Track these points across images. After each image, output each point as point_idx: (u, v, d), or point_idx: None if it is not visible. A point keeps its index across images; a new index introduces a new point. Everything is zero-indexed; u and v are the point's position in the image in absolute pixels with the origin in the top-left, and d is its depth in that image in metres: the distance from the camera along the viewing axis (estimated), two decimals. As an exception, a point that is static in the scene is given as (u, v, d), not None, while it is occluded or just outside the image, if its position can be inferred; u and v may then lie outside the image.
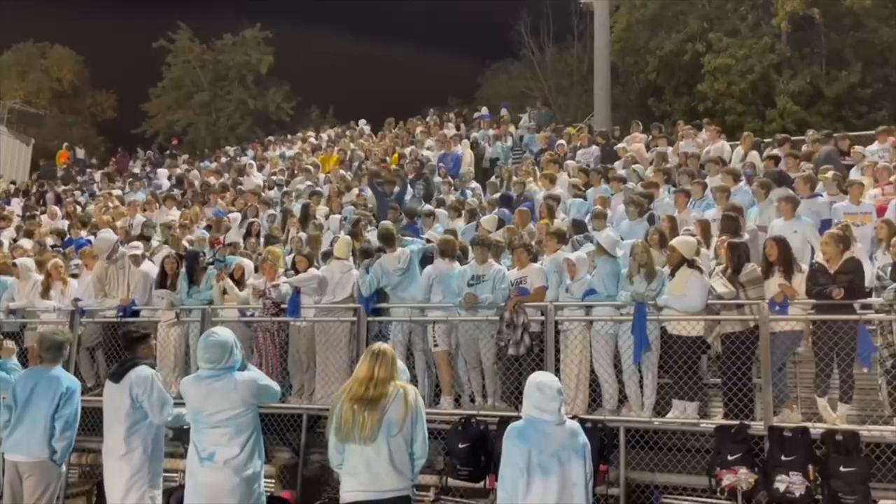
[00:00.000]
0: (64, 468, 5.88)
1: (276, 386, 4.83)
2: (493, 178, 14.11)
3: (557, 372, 6.79)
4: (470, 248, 8.02)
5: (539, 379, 4.29)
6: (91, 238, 11.89)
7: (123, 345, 5.55)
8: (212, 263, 8.90)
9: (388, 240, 8.09)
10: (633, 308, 6.62)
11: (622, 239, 8.20)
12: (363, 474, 4.08)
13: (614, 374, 6.93)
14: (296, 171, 16.93)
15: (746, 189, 9.89)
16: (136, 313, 8.63)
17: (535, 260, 7.79)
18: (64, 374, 5.87)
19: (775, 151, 11.79)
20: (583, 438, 4.27)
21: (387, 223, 8.90)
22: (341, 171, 15.49)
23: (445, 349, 7.50)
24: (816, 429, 5.88)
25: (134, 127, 37.89)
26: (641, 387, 6.82)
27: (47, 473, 5.63)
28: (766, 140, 14.07)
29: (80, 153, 26.60)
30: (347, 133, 20.86)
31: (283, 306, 8.03)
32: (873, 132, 12.86)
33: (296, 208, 12.82)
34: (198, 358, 4.63)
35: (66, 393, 5.68)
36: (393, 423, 4.12)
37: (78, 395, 5.80)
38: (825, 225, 8.48)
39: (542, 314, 7.03)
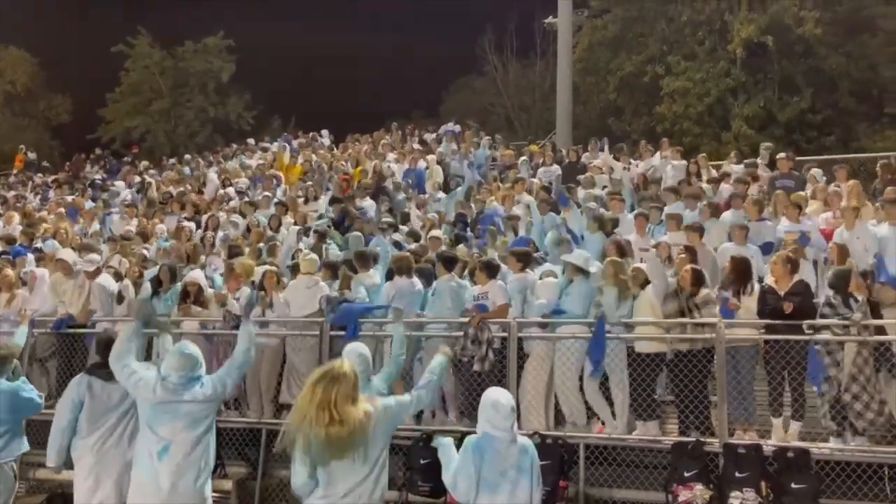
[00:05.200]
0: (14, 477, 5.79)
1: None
2: (456, 194, 14.17)
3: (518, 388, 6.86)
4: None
5: (494, 397, 4.30)
6: (39, 246, 11.71)
7: (101, 350, 5.50)
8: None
9: (363, 260, 8.17)
10: (596, 323, 6.72)
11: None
12: (339, 484, 3.88)
13: (579, 393, 6.94)
14: (257, 182, 16.76)
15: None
16: (70, 327, 8.48)
17: (494, 275, 7.65)
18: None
19: (726, 170, 12.28)
20: (532, 457, 4.26)
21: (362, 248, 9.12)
22: (308, 182, 15.39)
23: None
24: (769, 446, 6.07)
25: (90, 132, 37.01)
26: (611, 405, 6.88)
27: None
28: (718, 162, 14.51)
29: (32, 156, 25.87)
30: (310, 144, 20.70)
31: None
32: (822, 158, 13.42)
33: (260, 219, 12.70)
34: (167, 367, 4.58)
35: None
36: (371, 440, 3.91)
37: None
38: (767, 247, 8.79)
39: (504, 331, 7.09)
